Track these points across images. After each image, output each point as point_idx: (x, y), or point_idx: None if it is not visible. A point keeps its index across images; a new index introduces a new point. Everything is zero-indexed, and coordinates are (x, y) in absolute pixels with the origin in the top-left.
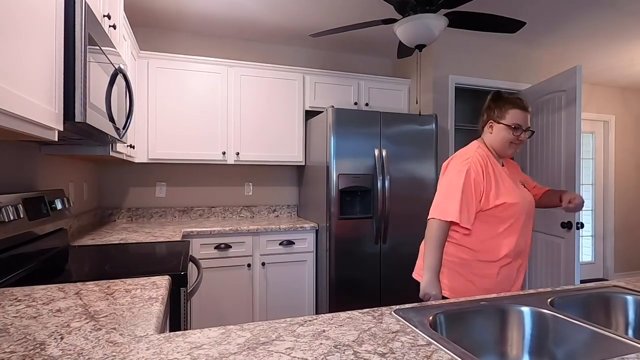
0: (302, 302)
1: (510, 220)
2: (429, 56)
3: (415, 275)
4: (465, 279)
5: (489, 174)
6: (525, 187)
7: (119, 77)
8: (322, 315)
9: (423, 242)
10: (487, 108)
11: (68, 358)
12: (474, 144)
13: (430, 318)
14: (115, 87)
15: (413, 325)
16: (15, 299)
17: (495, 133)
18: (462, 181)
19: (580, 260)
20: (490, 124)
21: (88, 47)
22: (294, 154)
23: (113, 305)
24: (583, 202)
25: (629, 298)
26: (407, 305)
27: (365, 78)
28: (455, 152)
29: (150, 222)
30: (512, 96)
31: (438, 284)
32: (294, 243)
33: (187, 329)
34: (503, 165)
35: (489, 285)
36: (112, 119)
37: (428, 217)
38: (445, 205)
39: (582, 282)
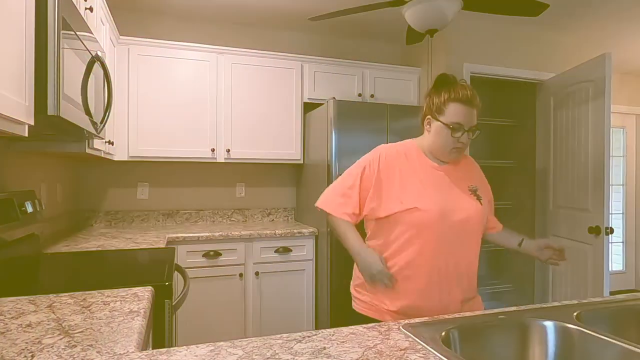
0: (300, 316)
1: (408, 232)
2: (441, 42)
3: (353, 304)
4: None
5: (392, 170)
6: (476, 194)
7: (97, 66)
8: (323, 330)
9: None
10: (426, 98)
11: None
12: (405, 141)
13: (443, 334)
14: (92, 76)
15: (424, 342)
16: None
17: (433, 133)
18: (351, 174)
19: (610, 269)
20: (428, 119)
21: (62, 32)
22: (291, 151)
23: (90, 320)
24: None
25: None
26: (417, 320)
27: (371, 67)
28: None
29: (131, 226)
30: (459, 82)
31: (374, 255)
32: (291, 250)
33: (172, 346)
34: (445, 164)
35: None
36: (88, 112)
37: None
38: (327, 196)
39: (611, 293)
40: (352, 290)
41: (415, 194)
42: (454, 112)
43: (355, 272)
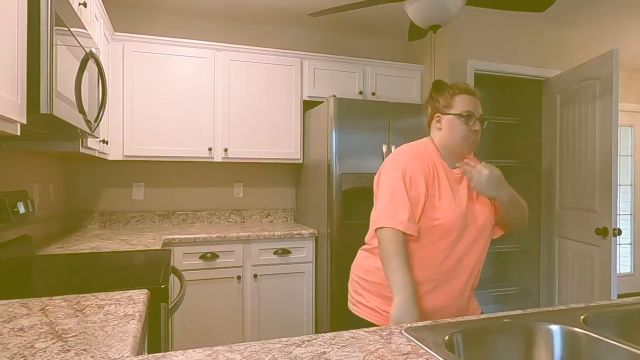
0: (299, 320)
1: (432, 237)
2: (444, 39)
3: (354, 308)
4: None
5: (430, 175)
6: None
7: (90, 63)
8: (323, 334)
9: (355, 263)
10: (429, 101)
11: None
12: (422, 140)
13: (446, 338)
14: (86, 73)
15: (426, 346)
16: None
17: (445, 127)
18: (399, 183)
19: (618, 271)
20: (437, 117)
21: (55, 28)
22: (290, 151)
23: (83, 323)
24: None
25: None
26: (419, 323)
27: (372, 64)
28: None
29: (126, 228)
30: (455, 83)
31: (414, 306)
32: (290, 252)
33: (168, 350)
34: (457, 167)
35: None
36: (82, 111)
37: (375, 227)
38: (393, 211)
39: (619, 296)
40: (351, 291)
41: (439, 206)
42: (462, 102)
43: (354, 270)
